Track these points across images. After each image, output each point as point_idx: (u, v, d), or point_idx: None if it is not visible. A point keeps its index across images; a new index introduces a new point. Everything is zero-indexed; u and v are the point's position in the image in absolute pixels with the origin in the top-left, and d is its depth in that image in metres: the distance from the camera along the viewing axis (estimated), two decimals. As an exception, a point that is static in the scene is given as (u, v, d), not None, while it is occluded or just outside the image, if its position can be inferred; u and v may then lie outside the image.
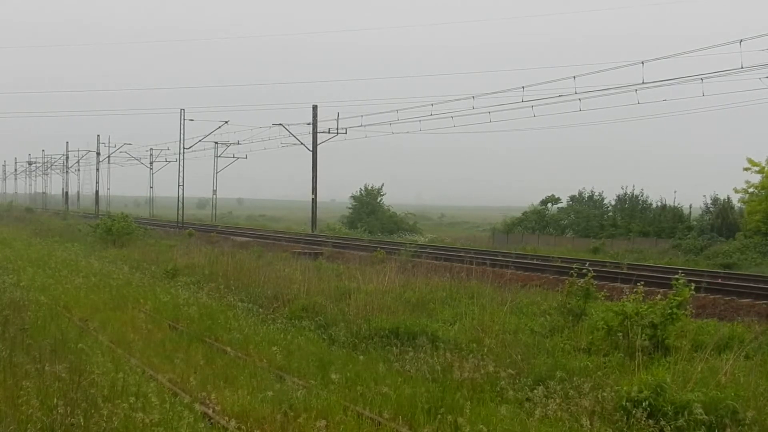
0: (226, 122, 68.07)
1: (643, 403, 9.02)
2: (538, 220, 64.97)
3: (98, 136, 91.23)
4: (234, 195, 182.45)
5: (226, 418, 8.94)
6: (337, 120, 56.18)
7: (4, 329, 12.16)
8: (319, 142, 56.98)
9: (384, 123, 54.45)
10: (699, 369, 10.19)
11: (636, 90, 32.94)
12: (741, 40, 28.09)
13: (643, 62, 31.55)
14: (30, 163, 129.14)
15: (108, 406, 8.25)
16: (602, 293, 15.47)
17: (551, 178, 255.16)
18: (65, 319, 15.49)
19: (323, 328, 14.85)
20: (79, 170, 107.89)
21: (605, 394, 9.59)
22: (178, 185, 65.41)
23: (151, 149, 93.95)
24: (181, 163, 66.46)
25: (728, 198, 53.23)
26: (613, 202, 63.17)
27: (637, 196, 60.22)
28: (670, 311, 12.09)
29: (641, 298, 12.61)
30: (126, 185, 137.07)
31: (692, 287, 12.97)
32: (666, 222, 55.19)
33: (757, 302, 19.21)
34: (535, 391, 10.01)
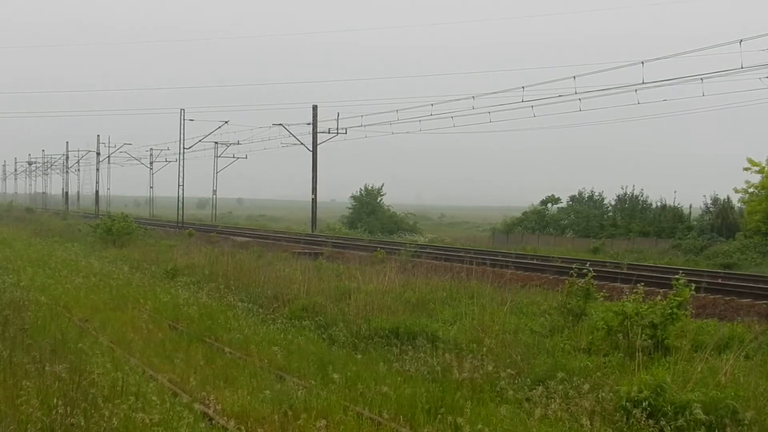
0: (226, 122, 68.27)
1: (643, 403, 9.02)
2: (538, 220, 64.97)
3: (98, 136, 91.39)
4: (234, 195, 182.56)
5: (226, 418, 8.95)
6: (337, 120, 56.26)
7: (4, 329, 12.16)
8: (319, 142, 57.02)
9: (384, 123, 54.50)
10: (699, 369, 10.19)
11: (636, 90, 32.97)
12: (741, 40, 28.11)
13: (643, 62, 31.58)
14: (30, 163, 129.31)
15: (108, 406, 8.25)
16: (602, 293, 15.46)
17: (551, 178, 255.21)
18: (65, 319, 15.49)
19: (323, 328, 14.85)
20: (79, 170, 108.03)
21: (605, 394, 9.59)
22: (178, 185, 65.49)
23: (151, 149, 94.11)
24: (181, 163, 66.55)
25: (728, 198, 53.31)
26: (613, 202, 63.22)
27: (637, 196, 60.24)
28: (670, 311, 12.09)
29: (641, 299, 12.61)
30: (126, 185, 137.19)
31: (692, 287, 12.96)
32: (666, 222, 55.19)
33: (757, 302, 19.21)
34: (535, 391, 10.01)
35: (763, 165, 47.00)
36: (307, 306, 16.42)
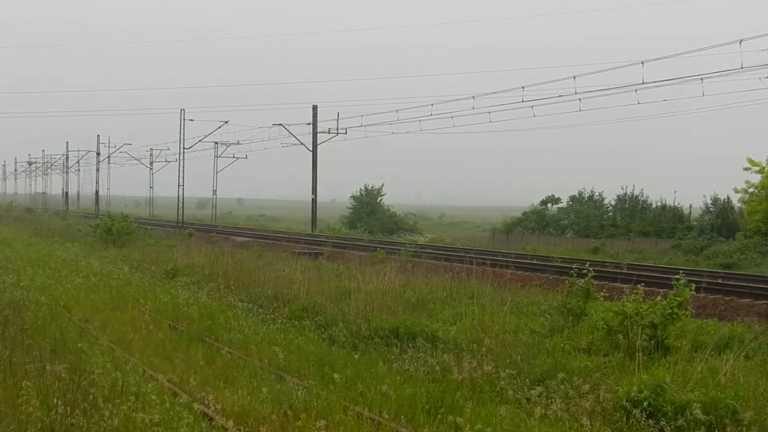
0: (226, 122, 68.19)
1: (643, 403, 9.02)
2: (538, 220, 64.96)
3: (98, 136, 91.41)
4: (234, 195, 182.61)
5: (226, 418, 8.95)
6: (337, 120, 56.26)
7: (4, 329, 12.16)
8: (319, 142, 57.02)
9: (384, 123, 54.50)
10: (699, 369, 10.19)
11: (636, 90, 32.97)
12: (741, 40, 28.11)
13: (643, 62, 31.58)
14: (30, 163, 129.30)
15: (108, 406, 8.25)
16: (602, 293, 15.46)
17: (551, 178, 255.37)
18: (65, 319, 15.49)
19: (323, 328, 14.85)
20: (79, 170, 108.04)
21: (605, 395, 9.59)
22: (178, 185, 65.48)
23: (151, 149, 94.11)
24: (181, 163, 66.55)
25: (728, 198, 53.31)
26: (613, 202, 63.21)
27: (637, 196, 60.23)
28: (670, 311, 12.09)
29: (641, 299, 12.61)
30: (126, 185, 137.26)
31: (692, 287, 12.96)
32: (666, 222, 55.19)
33: (757, 302, 19.20)
34: (535, 391, 10.01)
35: (763, 165, 47.00)
36: (307, 306, 16.42)
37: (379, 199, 76.12)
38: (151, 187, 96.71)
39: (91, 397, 8.59)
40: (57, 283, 20.51)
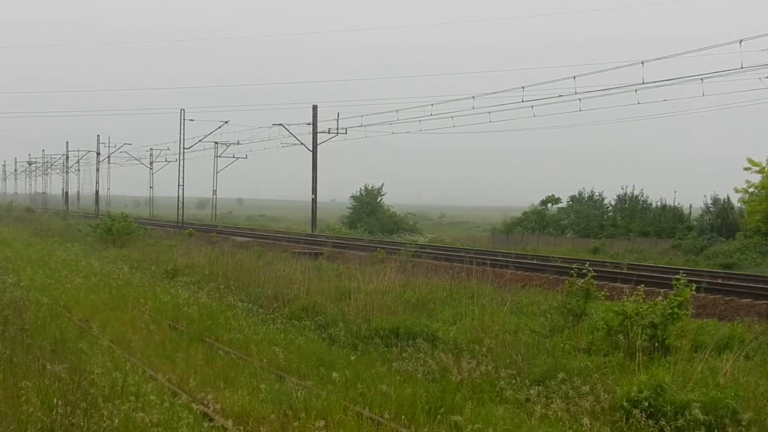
0: (226, 122, 68.16)
1: (643, 403, 9.02)
2: (538, 220, 64.96)
3: (98, 136, 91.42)
4: (234, 195, 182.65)
5: (226, 418, 8.95)
6: (337, 120, 56.26)
7: (4, 329, 12.15)
8: (319, 142, 57.01)
9: (384, 123, 54.48)
10: (699, 369, 10.18)
11: (636, 90, 32.97)
12: (741, 40, 28.11)
13: (643, 62, 31.59)
14: (30, 163, 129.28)
15: (108, 406, 8.25)
16: (602, 293, 15.46)
17: (551, 178, 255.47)
18: (65, 319, 15.49)
19: (323, 328, 14.85)
20: (79, 170, 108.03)
21: (605, 395, 9.59)
22: (178, 185, 65.47)
23: (151, 149, 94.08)
24: (181, 163, 66.54)
25: (728, 198, 53.32)
26: (613, 202, 63.22)
27: (637, 196, 60.23)
28: (670, 311, 12.08)
29: (642, 299, 12.60)
30: (126, 185, 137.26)
31: (693, 287, 12.96)
32: (666, 222, 55.18)
33: (757, 302, 19.20)
34: (534, 390, 10.01)
35: (763, 165, 47.00)
36: (307, 306, 16.42)
37: (379, 199, 76.12)
38: (151, 187, 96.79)
39: (91, 397, 8.59)
40: (57, 283, 20.51)
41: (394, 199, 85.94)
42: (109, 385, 9.60)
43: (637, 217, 57.70)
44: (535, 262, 30.74)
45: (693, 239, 47.55)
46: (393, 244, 41.86)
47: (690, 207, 58.05)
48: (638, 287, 13.31)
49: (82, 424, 7.76)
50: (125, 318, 15.86)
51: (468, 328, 13.67)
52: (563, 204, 66.69)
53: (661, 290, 16.04)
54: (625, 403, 9.17)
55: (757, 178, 47.72)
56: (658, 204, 58.15)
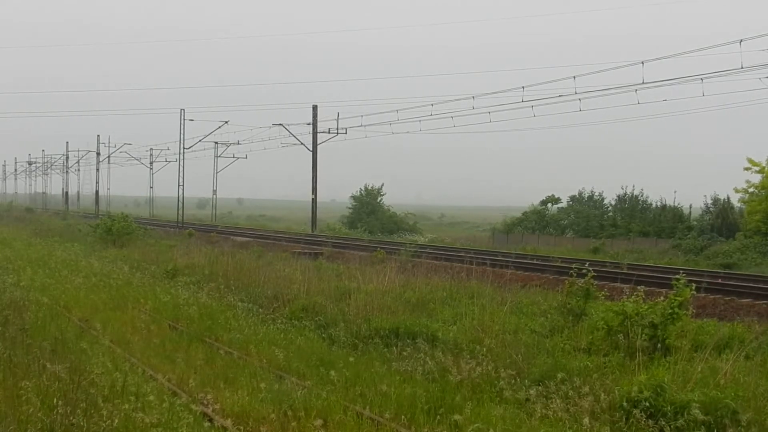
0: (226, 122, 68.16)
1: (643, 403, 9.01)
2: (538, 220, 64.97)
3: (98, 136, 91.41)
4: (234, 195, 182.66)
5: (225, 418, 8.95)
6: (337, 120, 56.26)
7: (4, 329, 12.15)
8: (319, 142, 57.01)
9: (384, 123, 54.46)
10: (699, 369, 10.18)
11: (636, 90, 32.96)
12: (741, 40, 28.10)
13: (643, 62, 31.58)
14: (30, 163, 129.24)
15: (108, 406, 8.25)
16: (602, 293, 15.46)
17: (551, 178, 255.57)
18: (65, 319, 15.49)
19: (323, 328, 14.85)
20: (79, 170, 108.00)
21: (605, 395, 9.58)
22: (178, 185, 65.47)
23: (151, 149, 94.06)
24: (181, 163, 66.54)
25: (728, 198, 53.31)
26: (613, 202, 63.21)
27: (637, 196, 60.23)
28: (670, 311, 12.08)
29: (642, 299, 12.60)
30: (126, 185, 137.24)
31: (693, 287, 12.96)
32: (666, 222, 55.18)
33: (757, 302, 19.20)
34: (534, 390, 10.00)
35: (763, 165, 46.99)
36: (307, 306, 16.42)
37: (379, 199, 76.12)
38: (151, 187, 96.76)
39: (91, 397, 8.59)
40: (57, 283, 20.51)
41: (394, 199, 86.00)
42: (109, 385, 9.60)
43: (637, 217, 57.70)
44: (535, 262, 30.74)
45: (693, 239, 47.54)
46: (393, 244, 41.86)
47: (690, 207, 58.05)
48: (638, 287, 13.31)
49: (82, 424, 7.76)
50: (125, 318, 15.86)
51: (468, 328, 13.67)
52: (563, 204, 66.70)
53: (662, 290, 16.02)
54: (625, 403, 9.16)
55: (757, 178, 47.76)
56: (658, 204, 58.18)
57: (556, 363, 11.26)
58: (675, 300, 12.26)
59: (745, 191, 48.88)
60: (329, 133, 56.59)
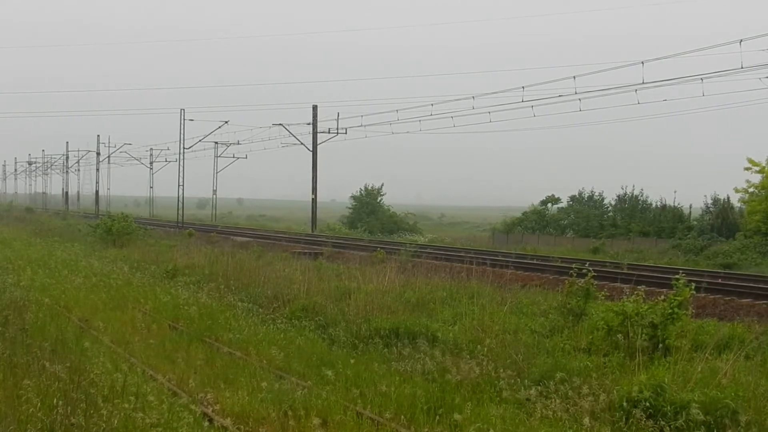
0: (226, 122, 68.17)
1: (643, 403, 9.01)
2: (538, 220, 65.02)
3: (98, 136, 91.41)
4: (234, 195, 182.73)
5: (225, 418, 8.95)
6: (337, 120, 56.25)
7: (4, 329, 12.16)
8: (319, 142, 57.01)
9: (384, 123, 54.46)
10: (699, 369, 10.18)
11: (636, 90, 32.95)
12: (741, 40, 28.08)
13: (643, 62, 31.57)
14: (30, 163, 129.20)
15: (108, 406, 8.25)
16: (602, 293, 15.45)
17: (551, 178, 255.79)
18: (65, 319, 15.48)
19: (323, 328, 14.85)
20: (79, 170, 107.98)
21: (605, 395, 9.58)
22: (178, 185, 65.45)
23: (151, 149, 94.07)
24: (181, 163, 66.53)
25: (728, 198, 53.32)
26: (613, 202, 63.29)
27: (637, 196, 60.27)
28: (670, 311, 12.09)
29: (642, 299, 12.60)
30: (126, 185, 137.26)
31: (692, 287, 12.96)
32: (666, 222, 55.18)
33: (757, 302, 19.20)
34: (533, 390, 10.00)
35: (763, 165, 47.00)
36: (307, 306, 16.42)
37: (379, 199, 76.15)
38: (151, 187, 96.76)
39: (91, 397, 8.59)
40: (57, 283, 20.50)
41: (394, 199, 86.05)
42: (109, 385, 9.60)
43: (637, 217, 57.71)
44: (535, 262, 30.74)
45: (693, 239, 47.55)
46: (393, 244, 41.86)
47: (690, 207, 58.05)
48: (638, 287, 13.30)
49: (82, 424, 7.76)
50: (125, 318, 15.86)
51: (468, 328, 13.67)
52: (563, 204, 66.77)
53: (662, 290, 16.02)
54: (625, 403, 9.16)
55: (757, 178, 47.77)
56: (658, 204, 58.21)
57: (556, 363, 11.25)
58: (675, 300, 12.26)
59: (745, 191, 48.90)
60: (329, 133, 56.63)
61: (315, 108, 57.50)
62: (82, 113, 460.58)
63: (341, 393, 9.98)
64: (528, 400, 9.83)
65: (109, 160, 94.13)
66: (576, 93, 34.45)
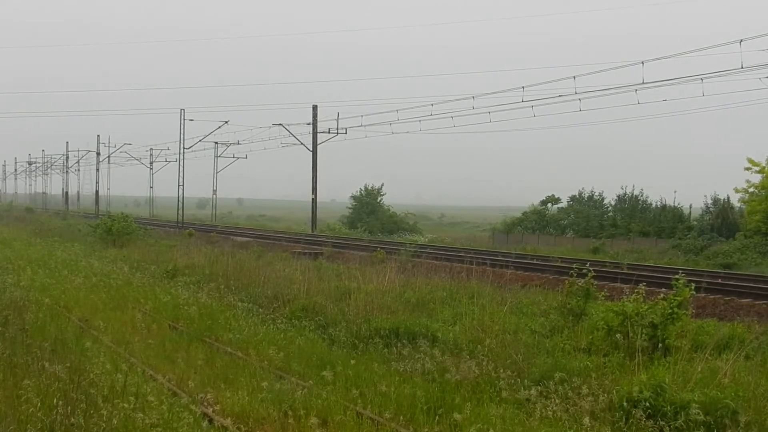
0: (226, 122, 67.96)
1: (643, 404, 9.01)
2: (538, 220, 65.02)
3: (98, 136, 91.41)
4: (234, 195, 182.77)
5: (226, 417, 8.95)
6: (337, 120, 56.25)
7: (4, 329, 12.15)
8: (319, 142, 57.01)
9: (384, 123, 54.46)
10: (699, 369, 10.18)
11: (636, 90, 32.95)
12: (741, 40, 28.09)
13: (643, 62, 31.57)
14: (30, 163, 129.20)
15: (108, 406, 8.24)
16: (602, 293, 15.45)
17: (551, 178, 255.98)
18: (65, 319, 15.48)
19: (323, 328, 14.85)
20: (79, 170, 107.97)
21: (604, 395, 9.58)
22: (178, 185, 65.44)
23: (151, 149, 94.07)
24: (181, 163, 66.53)
25: (728, 198, 53.31)
26: (613, 202, 63.30)
27: (637, 196, 60.27)
28: (670, 311, 12.09)
29: (642, 299, 12.60)
30: (126, 185, 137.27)
31: (692, 287, 12.96)
32: (666, 222, 55.18)
33: (757, 302, 19.20)
34: (533, 390, 10.00)
35: (763, 165, 46.99)
36: (307, 306, 16.41)
37: (379, 199, 76.16)
38: (151, 187, 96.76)
39: (91, 397, 8.58)
40: (57, 283, 20.50)
41: (394, 199, 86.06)
42: (109, 385, 9.60)
43: (637, 217, 57.70)
44: (535, 262, 30.73)
45: (693, 239, 47.54)
46: (393, 244, 41.86)
47: (690, 207, 58.05)
48: (639, 285, 13.30)
49: (81, 424, 7.76)
50: (125, 318, 15.86)
51: (468, 328, 13.67)
52: (563, 204, 66.78)
53: (661, 290, 16.02)
54: (625, 403, 9.17)
55: (757, 178, 47.75)
56: (658, 204, 58.20)
57: (556, 363, 11.25)
58: (675, 300, 12.26)
59: (745, 191, 48.89)
60: (329, 133, 56.63)
61: (315, 108, 57.50)
62: (82, 113, 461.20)
63: (341, 393, 9.98)
64: (528, 400, 9.83)
65: (109, 160, 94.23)
66: (576, 93, 34.48)
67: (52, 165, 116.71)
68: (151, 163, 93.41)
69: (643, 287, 13.12)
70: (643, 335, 11.90)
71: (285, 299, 17.38)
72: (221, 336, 14.12)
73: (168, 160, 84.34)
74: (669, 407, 8.95)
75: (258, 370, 11.42)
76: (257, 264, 23.88)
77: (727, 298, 19.75)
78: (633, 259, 36.69)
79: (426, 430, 8.70)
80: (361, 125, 53.08)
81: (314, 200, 57.20)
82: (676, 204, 57.42)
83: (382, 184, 76.56)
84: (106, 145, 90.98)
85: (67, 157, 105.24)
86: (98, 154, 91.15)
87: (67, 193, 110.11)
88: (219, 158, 76.11)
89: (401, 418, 9.03)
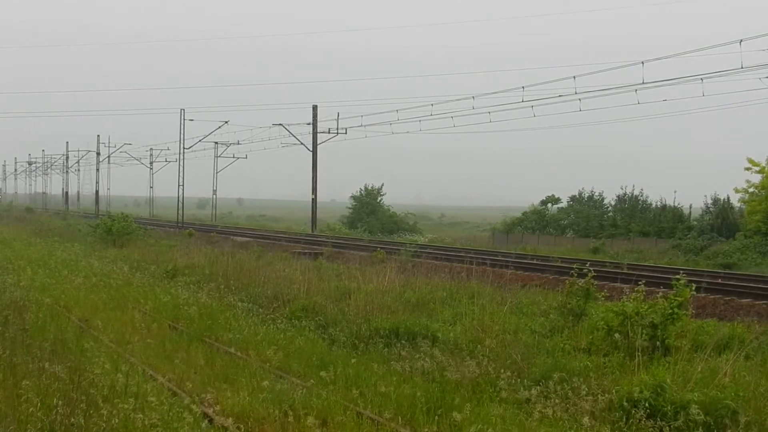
0: (226, 122, 67.99)
1: (643, 403, 9.01)
2: (538, 220, 65.03)
3: (98, 136, 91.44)
4: (234, 195, 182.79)
5: (226, 417, 8.94)
6: (337, 120, 56.25)
7: (4, 329, 12.14)
8: (319, 142, 57.00)
9: (384, 123, 54.46)
10: (699, 369, 10.18)
11: (636, 90, 32.96)
12: (741, 40, 28.10)
13: (643, 62, 31.58)
14: (30, 163, 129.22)
15: (108, 406, 8.24)
16: (602, 293, 15.45)
17: (551, 178, 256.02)
18: (65, 319, 15.48)
19: (323, 328, 14.85)
20: (79, 170, 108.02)
21: (604, 395, 9.58)
22: (178, 185, 65.45)
23: (151, 149, 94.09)
24: (181, 163, 66.54)
25: (728, 198, 53.33)
26: (613, 202, 63.32)
27: (637, 196, 60.28)
28: (670, 311, 12.09)
29: (642, 298, 12.60)
30: (126, 185, 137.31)
31: (692, 287, 12.96)
32: (666, 222, 55.19)
33: (757, 302, 19.20)
34: (533, 391, 10.01)
35: (763, 165, 47.00)
36: (307, 306, 16.41)
37: (379, 199, 76.16)
38: (151, 187, 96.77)
39: (91, 397, 8.59)
40: (57, 283, 20.50)
41: (394, 199, 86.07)
42: (109, 385, 9.60)
43: (637, 217, 57.71)
44: (535, 262, 30.74)
45: (693, 239, 47.55)
46: (393, 244, 41.86)
47: (690, 207, 58.06)
48: (640, 283, 13.30)
49: (81, 424, 7.76)
50: (125, 318, 15.86)
51: (468, 328, 13.67)
52: (563, 204, 66.80)
53: (661, 290, 16.01)
54: (625, 403, 9.17)
55: (757, 178, 47.76)
56: (658, 204, 58.22)
57: (556, 363, 11.25)
58: (675, 300, 12.26)
59: (745, 191, 48.89)
60: (329, 133, 56.63)
61: (315, 108, 57.50)
62: (82, 113, 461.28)
63: (341, 393, 9.98)
64: (528, 400, 9.83)
65: (109, 160, 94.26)
66: (576, 93, 34.49)
67: (52, 165, 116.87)
68: (151, 163, 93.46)
69: (642, 287, 13.12)
70: (643, 335, 11.90)
71: (285, 299, 17.38)
72: (221, 336, 14.12)
73: (168, 160, 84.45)
74: (669, 407, 8.95)
75: (258, 370, 11.42)
76: (257, 264, 23.88)
77: (727, 298, 19.75)
78: (633, 259, 36.70)
79: (426, 430, 8.70)
80: (361, 125, 53.16)
81: (314, 200, 57.20)
82: (676, 204, 57.47)
83: (382, 184, 76.70)
84: (106, 145, 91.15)
85: (67, 157, 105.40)
86: (98, 154, 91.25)
87: (67, 193, 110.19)
88: (219, 158, 76.20)
89: (401, 418, 9.03)
